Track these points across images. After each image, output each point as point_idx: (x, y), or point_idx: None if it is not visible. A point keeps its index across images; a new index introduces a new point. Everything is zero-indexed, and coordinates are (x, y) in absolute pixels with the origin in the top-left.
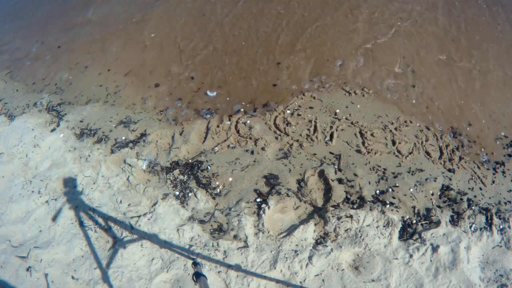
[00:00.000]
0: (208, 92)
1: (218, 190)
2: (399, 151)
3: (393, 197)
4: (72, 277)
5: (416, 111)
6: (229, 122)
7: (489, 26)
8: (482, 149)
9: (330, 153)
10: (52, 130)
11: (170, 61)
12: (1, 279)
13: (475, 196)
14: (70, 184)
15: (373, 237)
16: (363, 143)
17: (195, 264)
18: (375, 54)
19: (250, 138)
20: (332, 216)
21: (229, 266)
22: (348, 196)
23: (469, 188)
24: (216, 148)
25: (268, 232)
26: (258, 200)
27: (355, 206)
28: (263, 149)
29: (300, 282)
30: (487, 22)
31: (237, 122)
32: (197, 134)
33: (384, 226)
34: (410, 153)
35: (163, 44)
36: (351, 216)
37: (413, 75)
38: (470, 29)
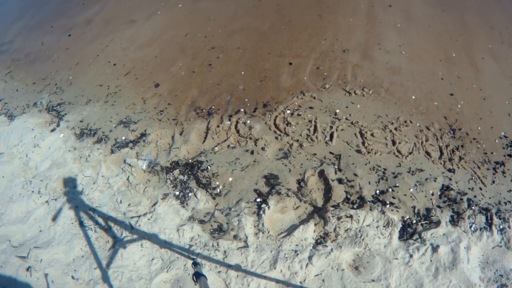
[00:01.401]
0: None
1: (218, 190)
2: (399, 151)
3: (393, 197)
4: (72, 277)
5: (416, 111)
6: (229, 122)
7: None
8: (483, 149)
9: (330, 153)
10: (52, 130)
11: (171, 61)
12: (1, 279)
13: (475, 196)
14: (70, 184)
15: (373, 237)
16: (363, 143)
17: (195, 264)
18: (375, 53)
19: (250, 138)
20: (332, 216)
21: (229, 266)
22: (348, 196)
23: (469, 188)
24: (216, 148)
25: (268, 232)
26: (258, 200)
27: (355, 206)
28: (263, 149)
29: (300, 282)
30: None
31: (237, 122)
32: (197, 134)
33: (384, 226)
34: (410, 153)
35: (164, 44)
36: (351, 216)
37: (411, 75)
38: (470, 23)
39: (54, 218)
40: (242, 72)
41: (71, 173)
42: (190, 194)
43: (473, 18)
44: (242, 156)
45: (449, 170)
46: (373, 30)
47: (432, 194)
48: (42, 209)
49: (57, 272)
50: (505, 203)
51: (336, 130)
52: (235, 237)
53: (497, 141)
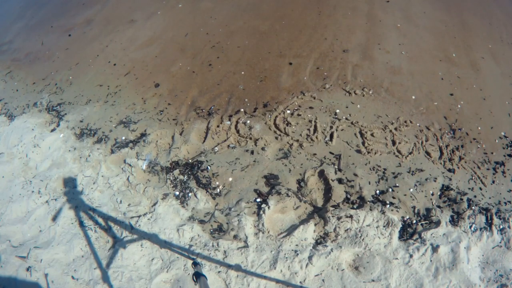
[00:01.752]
0: None
1: (218, 190)
2: (399, 151)
3: (393, 197)
4: (72, 277)
5: (416, 111)
6: (229, 122)
7: (485, 27)
8: (483, 149)
9: (330, 153)
10: (52, 130)
11: (171, 61)
12: (1, 279)
13: (475, 196)
14: (70, 184)
15: (373, 237)
16: (363, 143)
17: (195, 264)
18: (375, 53)
19: (250, 138)
20: (332, 216)
21: (229, 266)
22: (348, 196)
23: (469, 188)
24: (216, 148)
25: (268, 232)
26: (258, 200)
27: (355, 206)
28: (263, 149)
29: (300, 282)
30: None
31: (237, 122)
32: (197, 134)
33: (384, 226)
34: (410, 153)
35: (164, 44)
36: (351, 216)
37: (411, 75)
38: (469, 26)
39: (54, 218)
40: (242, 72)
41: (71, 173)
42: (190, 194)
43: (472, 18)
44: (242, 156)
45: (449, 170)
46: (373, 30)
47: (432, 194)
48: (42, 209)
49: (57, 272)
50: (505, 203)
51: (336, 130)
52: (235, 237)
53: (497, 141)
